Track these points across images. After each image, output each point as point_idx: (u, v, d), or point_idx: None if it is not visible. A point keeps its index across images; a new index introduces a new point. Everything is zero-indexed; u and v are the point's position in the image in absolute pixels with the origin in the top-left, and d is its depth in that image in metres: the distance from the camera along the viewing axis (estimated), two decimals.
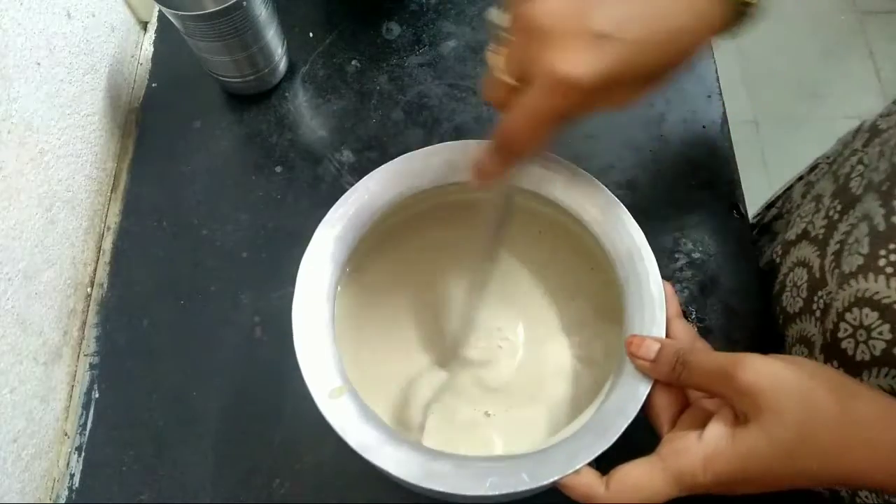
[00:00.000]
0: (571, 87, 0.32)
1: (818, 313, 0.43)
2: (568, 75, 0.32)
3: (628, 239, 0.40)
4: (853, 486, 0.40)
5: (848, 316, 0.39)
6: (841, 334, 0.40)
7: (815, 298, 0.44)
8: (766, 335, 0.50)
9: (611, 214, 0.41)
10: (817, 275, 0.44)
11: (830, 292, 0.42)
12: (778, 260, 0.51)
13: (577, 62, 0.32)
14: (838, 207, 0.44)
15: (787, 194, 0.58)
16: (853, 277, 0.39)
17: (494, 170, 0.37)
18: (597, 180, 0.42)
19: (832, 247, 0.43)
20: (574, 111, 0.33)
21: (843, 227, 0.42)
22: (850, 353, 0.39)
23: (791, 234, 0.50)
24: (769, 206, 0.60)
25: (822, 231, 0.45)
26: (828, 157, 0.54)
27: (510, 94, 0.34)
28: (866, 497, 0.41)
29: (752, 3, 0.34)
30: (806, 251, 0.46)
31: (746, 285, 0.52)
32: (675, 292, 0.41)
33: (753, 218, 0.62)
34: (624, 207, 0.41)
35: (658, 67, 0.34)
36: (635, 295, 0.39)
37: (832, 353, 0.41)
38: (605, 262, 0.41)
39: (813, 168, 0.56)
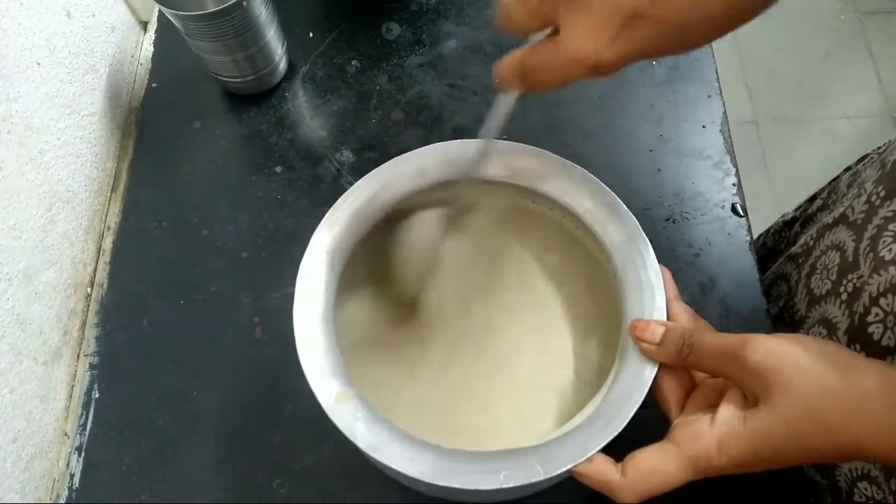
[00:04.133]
0: (592, 65, 0.32)
1: (844, 296, 0.43)
2: (590, 57, 0.31)
3: (623, 227, 0.40)
4: (860, 459, 0.41)
5: (882, 301, 0.39)
6: (871, 318, 0.40)
7: (844, 281, 0.44)
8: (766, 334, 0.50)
9: (604, 204, 0.41)
10: (850, 258, 0.44)
11: (862, 276, 0.42)
12: (812, 243, 0.50)
13: (602, 45, 0.31)
14: (881, 193, 0.43)
15: (832, 185, 0.57)
16: (892, 264, 0.39)
17: (508, 86, 0.37)
18: (589, 173, 0.43)
19: (869, 231, 0.43)
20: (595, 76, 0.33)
21: (882, 213, 0.42)
22: (876, 337, 0.39)
23: (829, 218, 0.49)
24: (812, 198, 0.60)
25: (862, 216, 0.44)
26: (879, 148, 0.54)
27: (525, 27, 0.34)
28: (865, 489, 0.41)
29: None
30: (842, 234, 0.46)
31: (746, 285, 0.52)
32: (672, 277, 0.41)
33: (796, 210, 0.62)
34: (616, 197, 0.42)
35: (680, 47, 0.33)
36: (633, 281, 0.39)
37: (857, 337, 0.41)
38: (601, 251, 0.41)
39: (862, 158, 0.56)
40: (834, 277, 0.45)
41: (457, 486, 0.34)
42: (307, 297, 0.39)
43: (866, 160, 0.54)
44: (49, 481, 0.49)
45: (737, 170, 0.56)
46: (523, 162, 0.43)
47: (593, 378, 0.44)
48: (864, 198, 0.45)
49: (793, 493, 0.45)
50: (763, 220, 0.67)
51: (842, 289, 0.44)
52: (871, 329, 0.40)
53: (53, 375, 0.50)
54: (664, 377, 0.37)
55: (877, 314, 0.40)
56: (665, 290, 0.39)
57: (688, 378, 0.37)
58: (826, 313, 0.45)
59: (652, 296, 0.38)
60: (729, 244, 0.53)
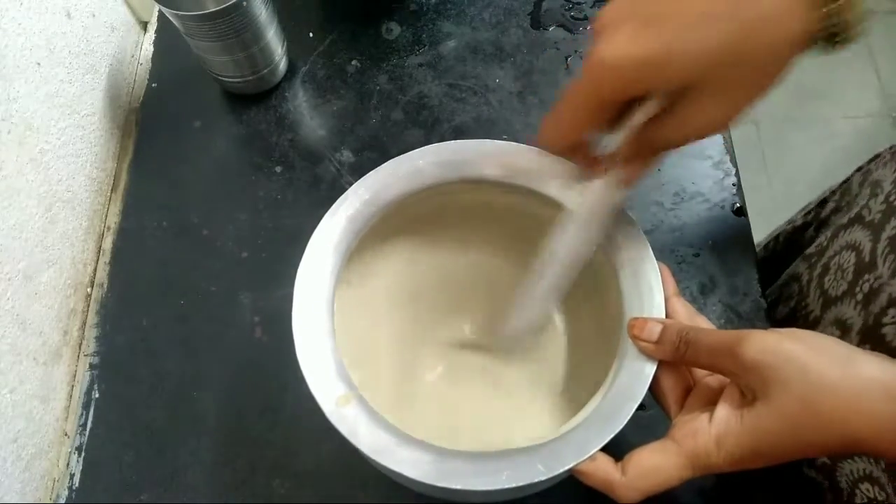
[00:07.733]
0: (601, 67, 0.31)
1: (860, 296, 0.43)
2: (600, 57, 0.31)
3: (621, 226, 0.40)
4: (858, 453, 0.40)
5: None
6: (886, 320, 0.40)
7: (861, 282, 0.43)
8: None
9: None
10: (866, 258, 0.43)
11: (881, 276, 0.41)
12: (826, 243, 0.50)
13: (613, 44, 0.31)
14: None
15: (844, 186, 0.57)
16: None
17: (546, 146, 0.38)
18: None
19: (888, 231, 0.42)
20: (617, 94, 0.33)
21: None
22: (888, 338, 0.39)
23: (844, 219, 0.49)
24: (823, 202, 0.59)
25: (879, 216, 0.44)
26: (892, 147, 0.53)
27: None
28: (867, 490, 0.41)
29: (843, 17, 0.30)
30: (858, 234, 0.45)
31: (746, 285, 0.52)
32: (671, 272, 0.40)
33: (806, 215, 0.61)
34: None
35: (715, 58, 0.30)
36: (632, 280, 0.39)
37: (870, 337, 0.41)
38: (599, 250, 0.41)
39: (874, 158, 0.55)
40: (850, 278, 0.44)
41: (459, 487, 0.33)
42: (306, 303, 0.39)
43: (878, 159, 0.53)
44: (49, 481, 0.49)
45: (737, 170, 0.56)
46: (520, 161, 0.43)
47: (591, 376, 0.44)
48: (881, 198, 0.44)
49: (791, 493, 0.45)
50: (763, 219, 0.67)
51: (858, 289, 0.43)
52: (884, 330, 0.40)
53: (53, 375, 0.50)
54: (663, 375, 0.37)
55: (894, 316, 0.39)
56: (664, 286, 0.39)
57: (687, 376, 0.37)
58: (841, 314, 0.45)
59: (651, 294, 0.38)
60: (729, 244, 0.53)
